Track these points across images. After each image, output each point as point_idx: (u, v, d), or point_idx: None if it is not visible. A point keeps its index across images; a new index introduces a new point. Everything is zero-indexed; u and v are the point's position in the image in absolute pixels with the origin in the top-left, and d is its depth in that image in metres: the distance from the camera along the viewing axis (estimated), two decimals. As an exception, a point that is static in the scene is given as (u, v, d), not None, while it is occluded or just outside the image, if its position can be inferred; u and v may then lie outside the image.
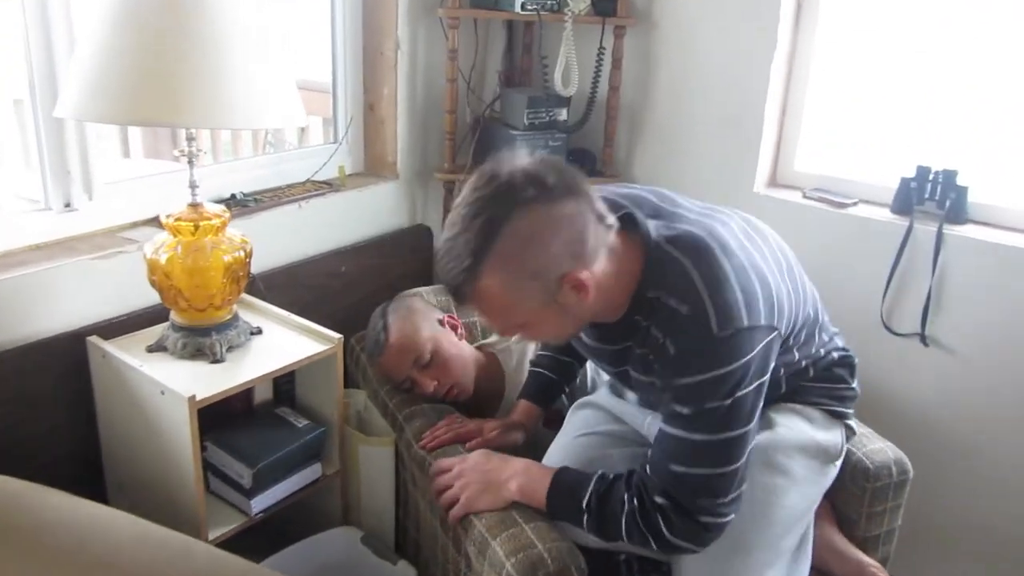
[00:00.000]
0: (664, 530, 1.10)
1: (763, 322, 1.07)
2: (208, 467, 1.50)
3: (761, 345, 1.06)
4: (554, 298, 1.06)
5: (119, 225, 1.67)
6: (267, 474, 1.49)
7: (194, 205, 1.42)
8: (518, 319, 1.10)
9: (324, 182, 2.05)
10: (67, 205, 1.59)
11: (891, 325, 1.91)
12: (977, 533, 1.91)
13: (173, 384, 1.35)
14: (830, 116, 2.04)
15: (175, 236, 1.42)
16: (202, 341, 1.47)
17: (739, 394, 1.05)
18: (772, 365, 1.11)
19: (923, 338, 1.87)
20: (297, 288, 1.90)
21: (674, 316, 1.06)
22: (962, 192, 1.81)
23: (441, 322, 1.67)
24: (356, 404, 1.77)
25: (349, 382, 1.85)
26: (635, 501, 1.12)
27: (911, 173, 1.86)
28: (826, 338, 1.31)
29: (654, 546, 1.13)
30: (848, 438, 1.38)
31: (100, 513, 1.14)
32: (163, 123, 1.54)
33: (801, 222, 1.99)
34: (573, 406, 1.50)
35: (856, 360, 1.38)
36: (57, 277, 1.48)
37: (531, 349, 1.71)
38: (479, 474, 1.27)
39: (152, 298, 1.52)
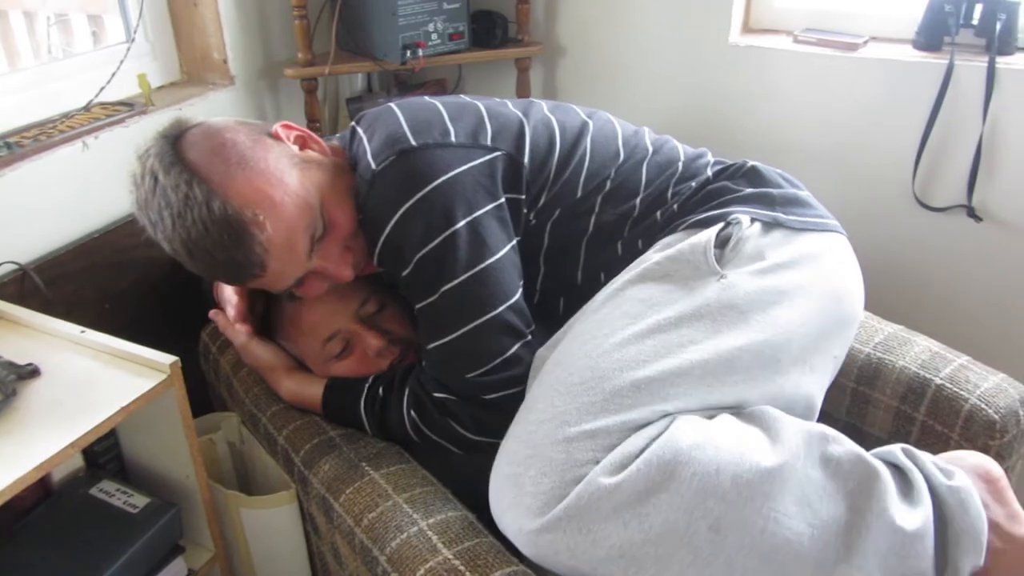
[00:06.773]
0: (459, 430, 0.95)
1: (455, 140, 0.97)
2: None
3: (463, 167, 0.94)
4: (299, 158, 0.95)
5: None
6: (89, 610, 0.90)
7: None
8: (310, 203, 0.92)
9: (119, 103, 1.36)
10: None
11: (925, 199, 1.47)
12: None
13: None
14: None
15: None
16: (-82, 417, 0.83)
17: (454, 228, 0.92)
18: (499, 190, 0.98)
19: (971, 211, 1.43)
20: (96, 276, 1.24)
21: (359, 187, 0.97)
22: (1012, 11, 1.37)
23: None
24: (227, 435, 1.18)
25: (213, 400, 1.26)
26: (412, 412, 0.97)
27: (942, -8, 1.43)
28: (693, 184, 1.07)
29: (458, 451, 0.98)
30: (739, 227, 0.96)
31: None
32: None
33: (795, 75, 1.55)
34: None
35: (753, 164, 1.06)
36: None
37: None
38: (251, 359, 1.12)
39: None
